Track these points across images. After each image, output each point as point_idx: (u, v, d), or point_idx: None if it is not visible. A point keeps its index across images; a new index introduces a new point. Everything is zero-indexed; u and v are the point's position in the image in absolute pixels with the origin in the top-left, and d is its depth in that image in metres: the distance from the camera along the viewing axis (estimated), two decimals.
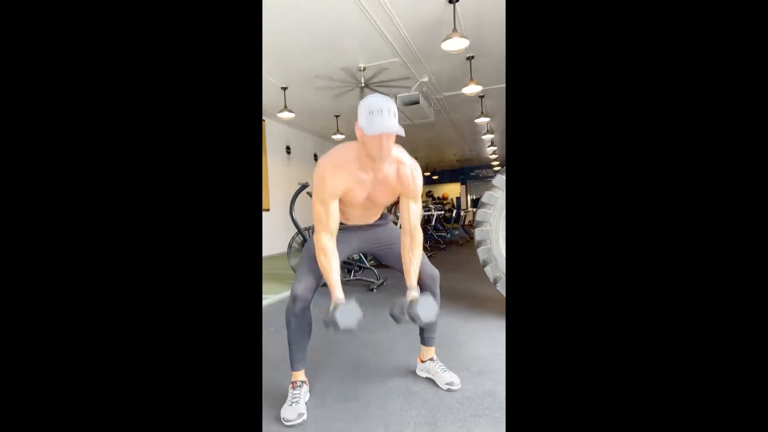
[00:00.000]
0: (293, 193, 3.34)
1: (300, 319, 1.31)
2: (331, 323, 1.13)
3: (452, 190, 17.37)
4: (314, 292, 1.33)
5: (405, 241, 1.33)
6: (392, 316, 1.30)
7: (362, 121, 1.09)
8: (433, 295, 1.39)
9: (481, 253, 2.25)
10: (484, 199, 2.24)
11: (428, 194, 17.68)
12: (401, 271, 1.42)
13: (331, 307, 1.17)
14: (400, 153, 1.26)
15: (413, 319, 1.22)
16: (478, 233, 2.25)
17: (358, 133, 1.14)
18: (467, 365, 1.62)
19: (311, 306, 1.34)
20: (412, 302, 1.24)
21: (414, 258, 1.32)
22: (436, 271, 1.46)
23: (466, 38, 3.40)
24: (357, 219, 1.40)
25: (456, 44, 3.42)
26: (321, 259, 1.22)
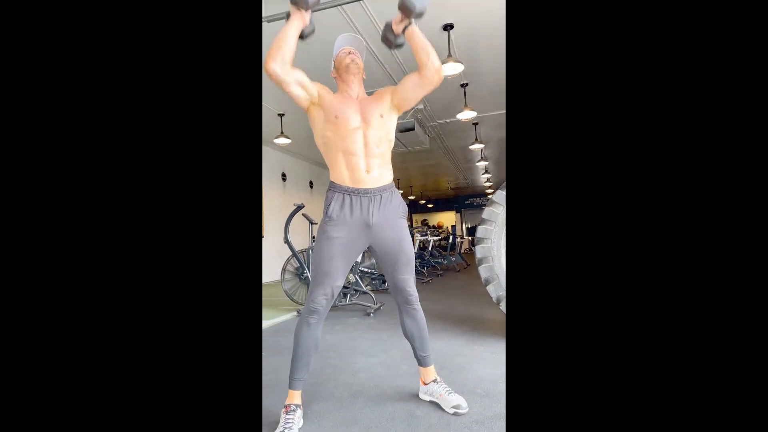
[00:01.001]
0: (288, 215, 3.29)
1: (312, 330, 1.26)
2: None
3: (447, 219, 17.42)
4: (332, 302, 1.28)
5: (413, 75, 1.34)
6: (385, 39, 1.33)
7: (334, 56, 1.36)
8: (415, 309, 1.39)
9: (483, 271, 2.18)
10: (485, 216, 2.19)
11: (423, 222, 17.70)
12: (394, 294, 1.39)
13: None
14: None
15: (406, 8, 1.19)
16: (479, 250, 2.19)
17: (333, 73, 1.39)
18: (472, 388, 1.52)
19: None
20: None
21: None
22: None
23: (461, 63, 3.48)
24: (360, 170, 1.26)
25: (451, 69, 3.49)
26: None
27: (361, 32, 3.52)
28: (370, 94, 1.37)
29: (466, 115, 4.69)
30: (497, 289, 2.14)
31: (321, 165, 8.61)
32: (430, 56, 1.25)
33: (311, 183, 8.76)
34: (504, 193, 2.16)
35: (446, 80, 3.96)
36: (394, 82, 4.52)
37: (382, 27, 1.56)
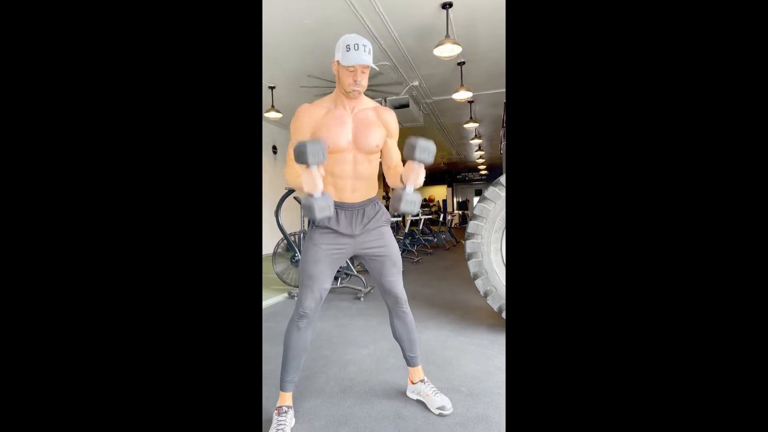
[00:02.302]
0: (280, 198, 3.26)
1: (302, 334, 1.28)
2: (306, 211, 1.08)
3: (439, 193, 17.46)
4: (320, 305, 1.31)
5: (393, 170, 1.29)
6: (393, 208, 1.27)
7: (339, 55, 1.18)
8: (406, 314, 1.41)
9: (472, 266, 2.22)
10: (476, 212, 2.20)
11: None
12: (382, 295, 1.41)
13: (307, 195, 1.10)
14: (375, 103, 1.32)
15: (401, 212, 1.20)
16: (469, 246, 2.22)
17: (334, 69, 1.22)
18: (457, 385, 1.58)
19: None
20: (394, 194, 1.17)
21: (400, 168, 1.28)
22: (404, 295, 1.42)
23: (459, 45, 3.37)
24: (346, 190, 1.28)
25: (448, 50, 3.39)
26: (290, 170, 1.17)
27: (355, 6, 3.37)
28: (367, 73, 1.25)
29: (462, 95, 4.60)
30: (485, 283, 2.19)
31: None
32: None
33: None
34: (496, 189, 2.16)
35: (443, 59, 3.84)
36: (390, 58, 4.38)
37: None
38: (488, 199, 2.18)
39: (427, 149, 1.14)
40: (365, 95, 1.31)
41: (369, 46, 1.19)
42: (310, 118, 1.23)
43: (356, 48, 1.16)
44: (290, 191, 3.17)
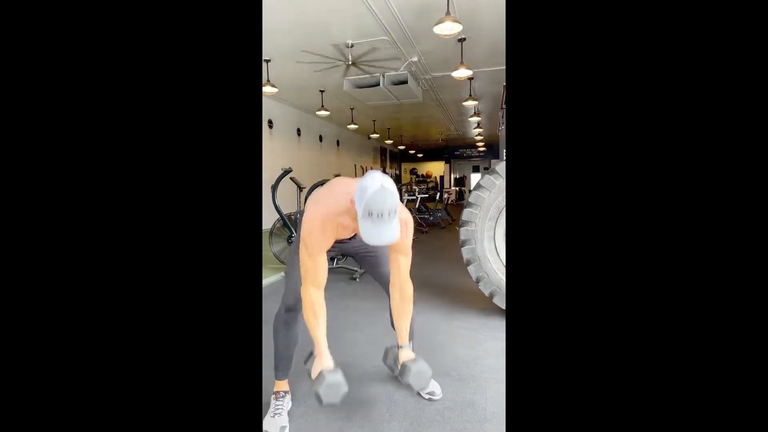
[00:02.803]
0: (276, 178, 3.25)
1: (290, 327, 1.32)
2: (315, 395, 1.12)
3: (436, 168, 17.37)
4: None
5: (395, 294, 1.28)
6: (387, 366, 1.35)
7: (360, 211, 1.00)
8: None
9: (466, 252, 2.26)
10: (470, 200, 2.22)
11: (412, 171, 17.65)
12: (381, 284, 1.43)
13: (316, 373, 1.14)
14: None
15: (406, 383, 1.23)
16: (463, 233, 2.25)
17: (352, 206, 1.05)
18: (448, 370, 1.65)
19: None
20: (404, 367, 1.21)
21: (405, 312, 1.28)
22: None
23: (459, 23, 3.28)
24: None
25: (448, 29, 3.30)
26: (308, 316, 1.15)
27: None
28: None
29: (462, 73, 4.51)
30: (478, 269, 2.24)
31: (309, 112, 8.30)
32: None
33: (299, 130, 8.51)
34: (491, 177, 2.17)
35: (443, 37, 3.74)
36: (388, 33, 4.26)
37: None
38: (483, 187, 2.19)
39: (420, 374, 1.20)
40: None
41: (395, 203, 0.99)
42: (323, 238, 1.14)
43: (380, 218, 0.97)
44: (286, 172, 3.16)
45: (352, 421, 1.31)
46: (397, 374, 1.28)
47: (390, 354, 1.34)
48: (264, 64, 5.15)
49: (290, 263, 1.32)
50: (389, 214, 0.98)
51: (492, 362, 1.72)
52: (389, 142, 12.96)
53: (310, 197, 1.25)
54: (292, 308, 1.30)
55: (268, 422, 1.26)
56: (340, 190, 1.17)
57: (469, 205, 2.23)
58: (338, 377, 1.11)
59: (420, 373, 1.20)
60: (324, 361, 1.15)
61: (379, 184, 0.98)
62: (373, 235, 0.99)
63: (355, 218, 1.05)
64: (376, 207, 0.96)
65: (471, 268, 2.26)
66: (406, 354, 1.25)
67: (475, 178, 16.96)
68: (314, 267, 1.13)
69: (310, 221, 1.13)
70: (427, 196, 7.98)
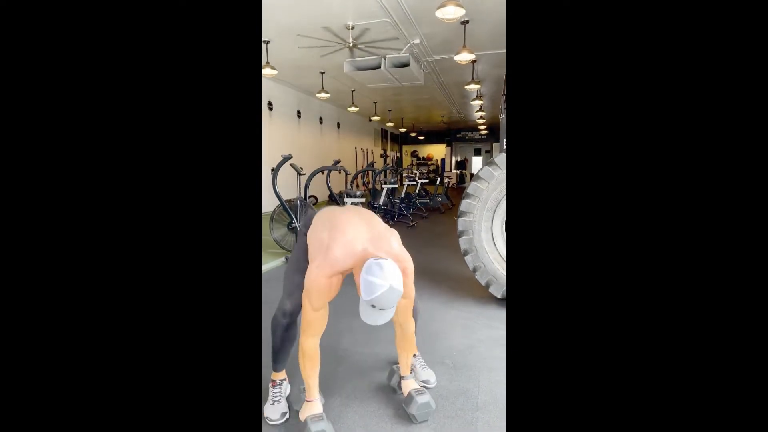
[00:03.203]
0: (276, 165, 3.25)
1: (288, 329, 1.35)
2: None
3: (438, 151, 17.25)
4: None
5: (397, 330, 1.34)
6: (391, 386, 1.44)
7: (363, 298, 1.03)
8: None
9: (463, 242, 2.28)
10: (469, 191, 2.23)
11: (413, 153, 17.53)
12: None
13: (304, 416, 1.19)
14: (395, 247, 1.18)
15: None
16: (460, 223, 2.27)
17: (360, 263, 1.09)
18: (442, 357, 1.70)
19: None
20: (410, 397, 1.30)
21: (406, 349, 1.35)
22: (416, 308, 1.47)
23: (462, 6, 3.21)
24: None
25: (451, 13, 3.24)
26: (305, 363, 1.21)
27: None
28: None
29: (464, 57, 4.44)
30: (474, 260, 2.27)
31: (309, 93, 8.20)
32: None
33: (299, 112, 8.43)
34: (490, 169, 2.18)
35: (445, 21, 3.66)
36: (389, 14, 4.16)
37: None
38: (482, 178, 2.20)
39: (424, 407, 1.26)
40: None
41: (397, 295, 1.02)
42: (327, 293, 1.15)
43: (381, 313, 1.04)
44: (285, 159, 3.16)
45: (348, 407, 1.37)
46: (399, 396, 1.37)
47: (395, 376, 1.43)
48: (263, 46, 5.06)
49: (286, 274, 1.34)
50: (391, 307, 1.05)
51: (485, 351, 1.77)
52: (390, 124, 12.83)
53: (319, 221, 1.23)
54: (290, 314, 1.32)
55: (268, 409, 1.31)
56: (353, 235, 1.15)
57: (468, 196, 2.24)
58: (323, 426, 1.17)
59: (424, 406, 1.28)
60: (313, 407, 1.22)
61: (388, 284, 1.00)
62: (371, 318, 1.06)
63: (360, 271, 1.08)
64: (380, 304, 1.02)
65: (468, 258, 2.29)
66: (410, 384, 1.34)
67: (476, 160, 16.85)
68: (316, 319, 1.18)
69: (316, 279, 1.12)
70: (427, 180, 7.97)
